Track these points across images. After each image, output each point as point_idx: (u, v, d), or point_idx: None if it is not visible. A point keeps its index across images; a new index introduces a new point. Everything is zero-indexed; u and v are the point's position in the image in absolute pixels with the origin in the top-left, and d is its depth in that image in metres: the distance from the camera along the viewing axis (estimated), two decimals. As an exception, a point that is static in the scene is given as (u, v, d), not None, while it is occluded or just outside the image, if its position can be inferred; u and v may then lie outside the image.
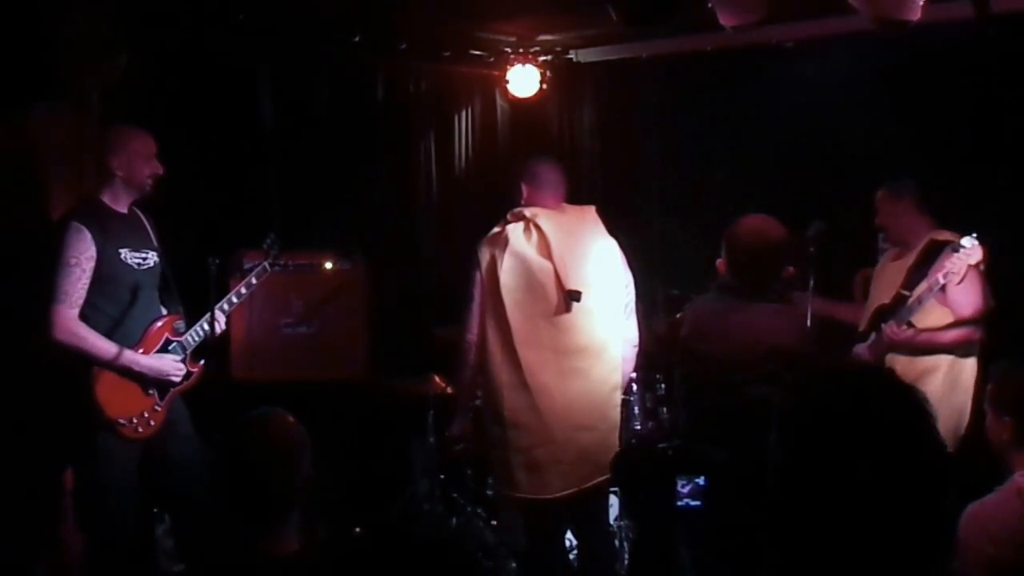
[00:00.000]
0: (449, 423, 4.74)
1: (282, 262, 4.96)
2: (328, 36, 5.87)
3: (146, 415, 4.43)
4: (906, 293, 4.93)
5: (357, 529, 5.71)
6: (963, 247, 4.72)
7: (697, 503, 3.01)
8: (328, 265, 5.49)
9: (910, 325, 4.88)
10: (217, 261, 4.47)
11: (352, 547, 1.86)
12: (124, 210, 4.50)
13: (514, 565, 5.48)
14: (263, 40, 5.70)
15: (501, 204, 4.89)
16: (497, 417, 4.52)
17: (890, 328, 4.88)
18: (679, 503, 2.98)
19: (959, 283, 4.75)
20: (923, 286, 4.84)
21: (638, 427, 5.84)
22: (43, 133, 4.79)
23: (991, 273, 4.94)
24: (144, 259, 4.47)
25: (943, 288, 4.80)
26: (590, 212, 4.78)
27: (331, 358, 5.80)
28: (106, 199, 4.46)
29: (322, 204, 6.03)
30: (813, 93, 5.81)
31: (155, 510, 4.77)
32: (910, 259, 5.05)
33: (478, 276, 4.54)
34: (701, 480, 3.00)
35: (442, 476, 5.91)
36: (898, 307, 4.93)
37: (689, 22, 5.41)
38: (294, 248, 5.51)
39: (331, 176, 6.11)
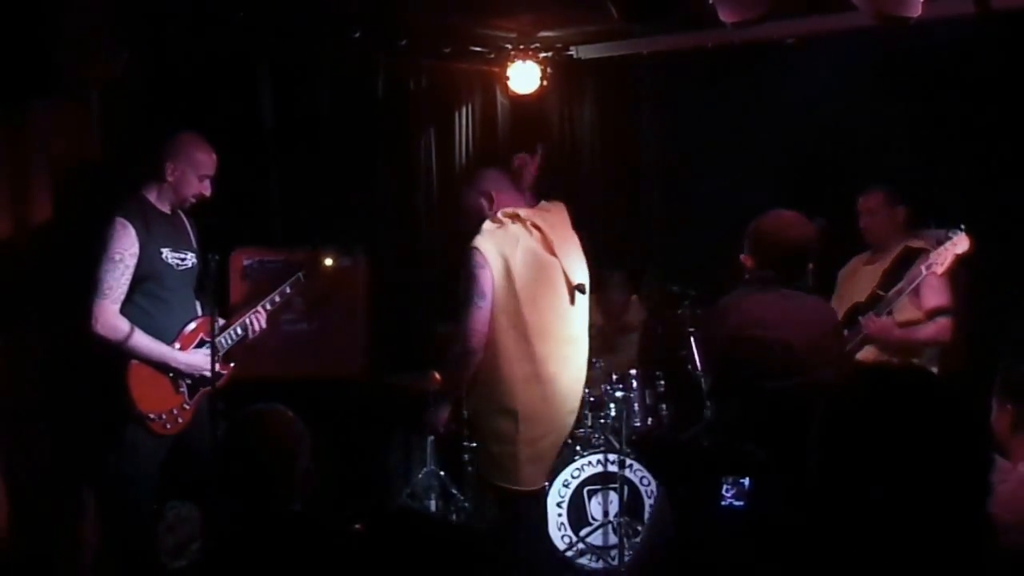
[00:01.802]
0: (430, 411, 4.79)
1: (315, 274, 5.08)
2: (328, 32, 5.87)
3: (175, 412, 4.52)
4: (882, 292, 4.97)
5: (357, 526, 5.71)
6: (950, 237, 4.73)
7: (740, 503, 2.99)
8: (328, 262, 5.49)
9: (889, 315, 4.91)
10: (216, 258, 4.51)
11: (351, 538, 1.87)
12: (167, 210, 4.57)
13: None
14: (263, 36, 5.69)
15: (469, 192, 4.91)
16: (507, 412, 4.60)
17: (869, 319, 4.89)
18: (723, 503, 2.96)
19: (939, 275, 4.77)
20: (903, 281, 4.85)
21: (637, 424, 5.85)
22: (43, 130, 4.79)
23: (989, 268, 4.95)
24: (183, 259, 4.54)
25: (923, 280, 4.84)
26: (563, 208, 4.94)
27: (331, 355, 5.80)
28: (152, 197, 4.54)
29: (322, 201, 6.03)
30: (813, 89, 5.80)
31: (155, 507, 4.79)
32: (884, 263, 5.09)
33: (488, 275, 4.57)
34: (746, 481, 2.99)
35: (442, 473, 5.92)
36: (875, 303, 4.96)
37: (689, 18, 5.41)
38: (293, 245, 5.51)
39: (331, 173, 6.10)
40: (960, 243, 4.73)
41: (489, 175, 4.86)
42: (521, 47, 6.54)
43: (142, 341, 4.40)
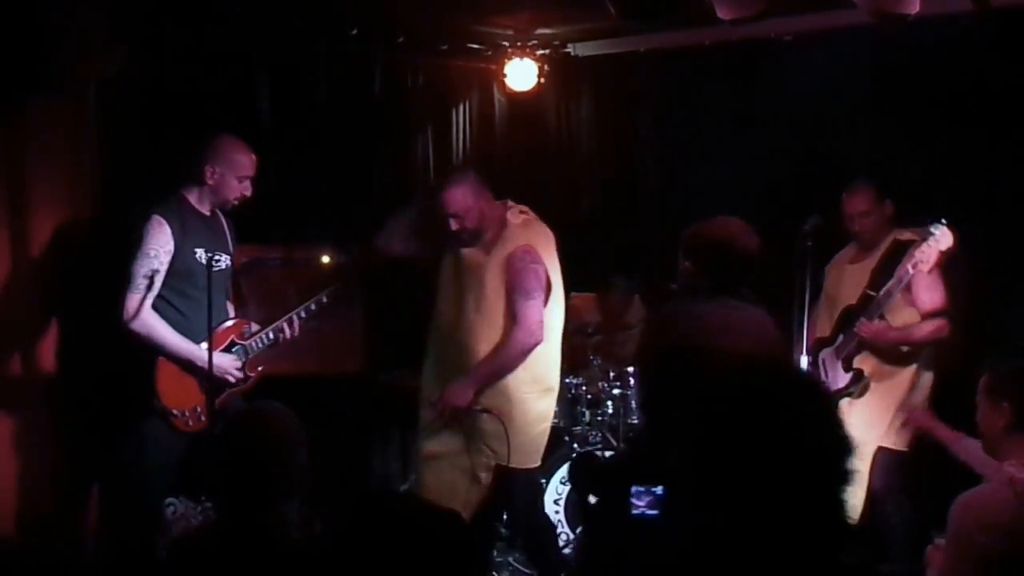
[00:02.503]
0: (456, 390, 4.77)
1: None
2: (326, 29, 5.86)
3: (199, 410, 4.55)
4: (872, 293, 4.94)
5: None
6: (932, 234, 4.69)
7: (654, 512, 2.96)
8: (325, 259, 5.49)
9: (882, 318, 4.90)
10: (212, 255, 4.51)
11: (348, 530, 1.86)
12: (207, 211, 4.62)
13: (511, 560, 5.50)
14: (260, 33, 5.69)
15: (498, 197, 4.90)
16: (550, 390, 4.92)
17: (863, 324, 4.88)
18: (635, 512, 2.93)
19: (928, 272, 4.74)
20: (892, 281, 4.83)
21: (635, 420, 5.84)
22: (40, 126, 4.79)
23: (985, 265, 4.95)
24: (217, 260, 4.55)
25: (912, 279, 4.82)
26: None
27: (328, 352, 5.80)
28: (191, 198, 4.59)
29: (319, 198, 6.02)
30: (811, 87, 5.80)
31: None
32: (872, 260, 5.06)
33: (544, 269, 4.76)
34: (659, 489, 2.95)
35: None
36: (866, 306, 4.94)
37: (687, 16, 5.40)
38: (291, 242, 5.50)
39: (328, 170, 6.09)
40: (943, 239, 4.69)
41: (481, 186, 4.85)
42: (518, 44, 6.54)
43: (171, 338, 4.45)
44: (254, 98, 5.89)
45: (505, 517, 5.34)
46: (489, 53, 6.62)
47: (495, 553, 5.52)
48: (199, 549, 2.71)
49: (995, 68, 5.40)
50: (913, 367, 5.01)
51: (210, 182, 4.55)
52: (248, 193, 4.62)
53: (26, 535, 4.66)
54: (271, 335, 4.72)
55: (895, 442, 4.98)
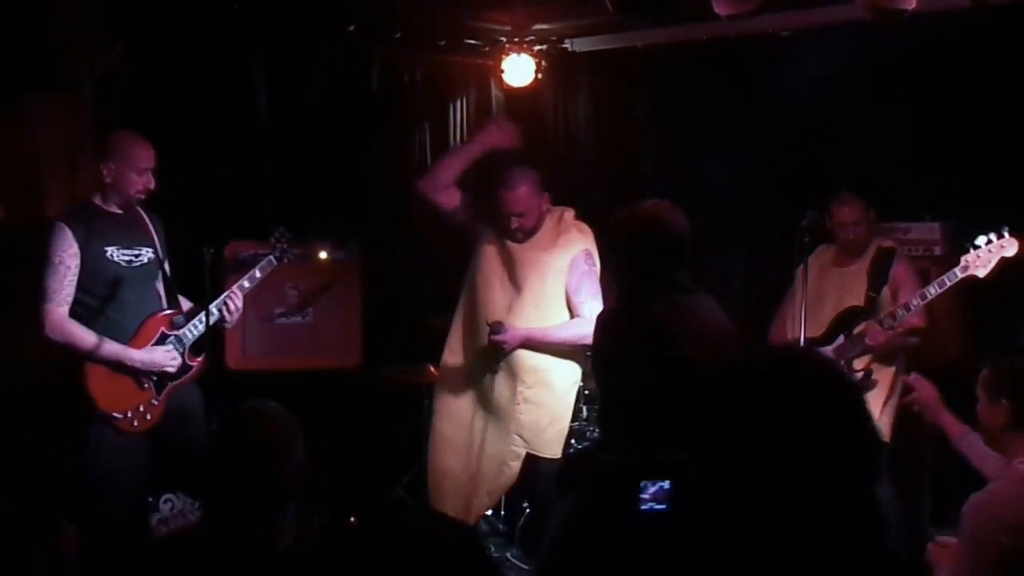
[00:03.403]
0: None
1: (289, 255, 4.97)
2: (323, 25, 5.85)
3: (142, 409, 4.48)
4: (875, 295, 4.97)
5: (352, 519, 5.71)
6: (991, 239, 4.65)
7: (663, 507, 2.94)
8: (323, 255, 5.49)
9: (899, 324, 4.89)
10: (212, 251, 4.50)
11: (348, 536, 1.85)
12: (116, 210, 4.53)
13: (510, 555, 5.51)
14: (258, 29, 5.68)
15: (521, 188, 4.91)
16: (576, 384, 5.08)
17: (875, 330, 4.87)
18: (644, 507, 2.92)
19: (984, 277, 4.68)
20: (934, 284, 4.78)
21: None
22: (36, 124, 4.78)
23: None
24: (136, 256, 4.50)
25: (899, 283, 4.87)
26: None
27: (326, 348, 5.80)
28: (97, 200, 4.52)
29: (317, 194, 6.02)
30: (808, 82, 5.79)
31: (149, 499, 4.79)
32: (861, 265, 5.09)
33: (599, 274, 4.89)
34: (667, 484, 2.94)
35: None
36: (872, 309, 4.95)
37: (684, 11, 5.40)
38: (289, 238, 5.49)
39: (326, 165, 6.10)
40: (1009, 246, 4.66)
41: (537, 174, 4.95)
42: (516, 40, 6.54)
43: (93, 342, 4.37)
44: (251, 95, 5.90)
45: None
46: (486, 49, 6.62)
47: (493, 549, 5.53)
48: (190, 551, 2.70)
49: (992, 64, 5.40)
50: (894, 367, 5.07)
51: (108, 180, 4.46)
52: (151, 186, 4.50)
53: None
54: (213, 311, 4.61)
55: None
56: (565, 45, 6.74)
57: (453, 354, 5.08)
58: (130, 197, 4.51)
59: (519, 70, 6.55)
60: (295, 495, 2.71)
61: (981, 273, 4.66)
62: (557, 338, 4.85)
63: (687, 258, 3.65)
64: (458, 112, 6.85)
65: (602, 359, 3.91)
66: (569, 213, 5.01)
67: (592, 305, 4.80)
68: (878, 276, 5.00)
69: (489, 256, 4.96)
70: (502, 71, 6.58)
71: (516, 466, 4.95)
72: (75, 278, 4.36)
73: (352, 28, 5.87)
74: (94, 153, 4.97)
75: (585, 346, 4.67)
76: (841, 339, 5.04)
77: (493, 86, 6.88)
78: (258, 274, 4.81)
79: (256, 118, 5.93)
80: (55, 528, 4.70)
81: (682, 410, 3.10)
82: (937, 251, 5.58)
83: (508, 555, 5.58)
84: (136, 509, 4.52)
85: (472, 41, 6.55)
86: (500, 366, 4.91)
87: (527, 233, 4.89)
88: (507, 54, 6.54)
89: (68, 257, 4.35)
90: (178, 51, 5.44)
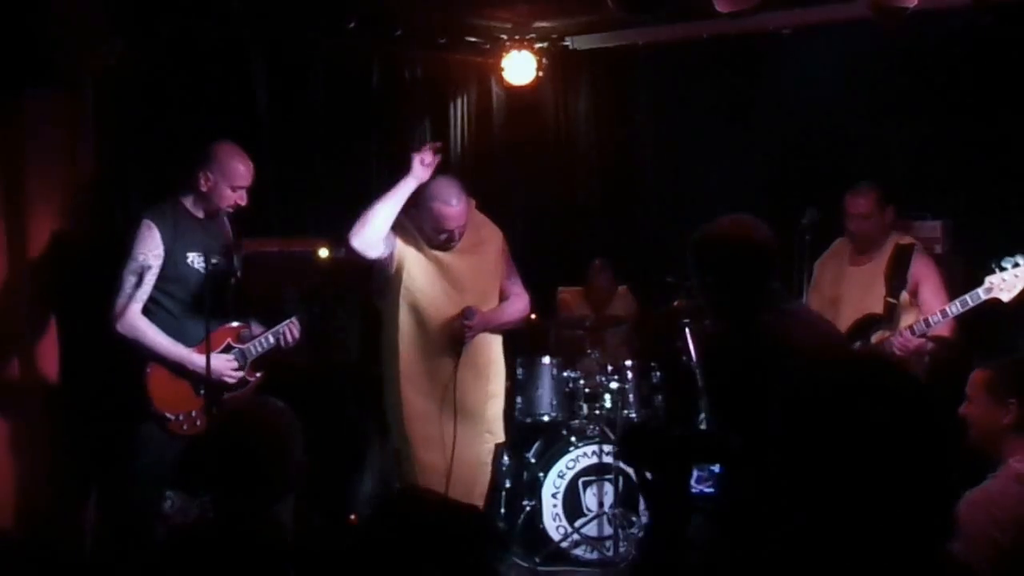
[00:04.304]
0: None
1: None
2: (323, 22, 5.85)
3: (194, 415, 4.51)
4: (893, 301, 4.89)
5: (352, 516, 5.71)
6: (1018, 263, 4.47)
7: (711, 490, 2.95)
8: (322, 252, 5.47)
9: (924, 335, 4.79)
10: (212, 248, 4.51)
11: (347, 533, 1.86)
12: (202, 216, 4.55)
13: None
14: (258, 26, 5.67)
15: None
16: None
17: (905, 338, 4.76)
18: (693, 489, 2.93)
19: (1008, 301, 4.51)
20: (956, 303, 4.64)
21: (634, 415, 5.84)
22: (37, 120, 4.78)
23: (988, 262, 4.94)
24: (214, 264, 4.51)
25: (920, 286, 4.80)
26: None
27: (325, 344, 5.79)
28: (187, 202, 4.54)
29: (317, 191, 6.01)
30: (809, 80, 5.80)
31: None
32: (878, 265, 4.99)
33: None
34: (716, 467, 2.95)
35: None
36: (891, 316, 4.88)
37: (685, 9, 5.40)
38: (288, 235, 5.49)
39: (326, 163, 6.09)
40: None
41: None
42: (516, 38, 6.54)
43: (161, 342, 4.42)
44: (252, 92, 5.89)
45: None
46: (487, 46, 6.62)
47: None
48: (194, 545, 2.70)
49: (994, 62, 5.40)
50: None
51: (203, 189, 4.48)
52: (243, 203, 4.54)
53: (26, 531, 4.66)
54: (271, 339, 4.64)
55: None
56: (566, 43, 6.74)
57: (412, 380, 4.87)
58: (220, 210, 4.54)
59: (520, 68, 6.55)
60: (294, 491, 2.72)
61: (1006, 298, 4.51)
62: (509, 317, 4.96)
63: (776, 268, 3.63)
64: (458, 110, 6.85)
65: (717, 385, 3.79)
66: (472, 204, 4.87)
67: (516, 281, 4.99)
68: (896, 278, 4.88)
69: (422, 270, 4.79)
70: (503, 69, 6.58)
71: (490, 460, 4.97)
72: (154, 278, 4.40)
73: (353, 25, 5.87)
74: (94, 151, 4.99)
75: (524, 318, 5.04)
76: (859, 344, 4.94)
77: (494, 84, 6.88)
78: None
79: (256, 115, 5.92)
80: (81, 520, 4.80)
81: (806, 419, 3.12)
82: (938, 249, 5.55)
83: (509, 553, 5.59)
84: (153, 506, 4.57)
85: (473, 39, 6.54)
86: (465, 369, 4.81)
87: (455, 240, 4.78)
88: (508, 52, 6.54)
89: (153, 257, 4.39)
90: (178, 49, 5.43)
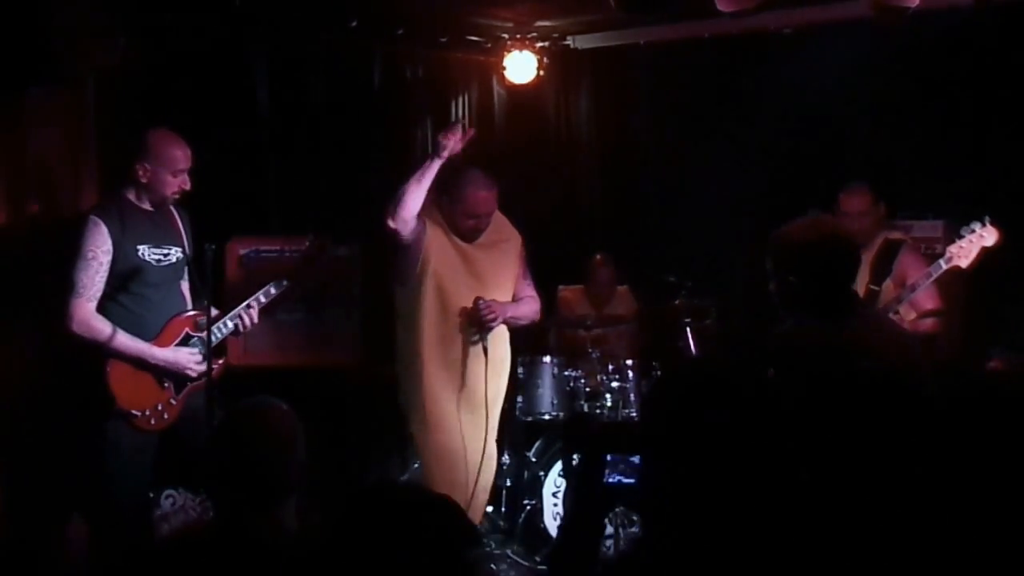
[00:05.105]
0: None
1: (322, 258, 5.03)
2: (325, 21, 5.85)
3: (160, 408, 4.47)
4: (875, 288, 4.93)
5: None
6: (973, 230, 4.64)
7: (631, 480, 2.94)
8: (323, 251, 5.47)
9: (896, 314, 4.89)
10: (213, 247, 4.47)
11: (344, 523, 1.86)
12: (149, 207, 4.51)
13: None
14: (260, 25, 5.67)
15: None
16: None
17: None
18: (609, 479, 2.92)
19: (966, 268, 4.68)
20: (921, 275, 4.81)
21: (634, 414, 5.84)
22: (38, 118, 4.78)
23: (988, 261, 4.94)
24: (165, 255, 4.48)
25: (943, 271, 4.80)
26: None
27: (326, 344, 5.79)
28: (130, 196, 4.48)
29: (318, 190, 6.01)
30: (810, 80, 5.80)
31: (151, 495, 4.79)
32: (867, 256, 5.03)
33: None
34: (636, 458, 2.95)
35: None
36: (872, 301, 4.92)
37: (686, 9, 5.40)
38: (290, 234, 5.49)
39: (327, 162, 6.09)
40: (988, 235, 4.61)
41: None
42: (518, 37, 6.54)
43: (119, 339, 4.35)
44: (253, 90, 5.89)
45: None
46: (489, 45, 6.62)
47: (493, 545, 5.54)
48: (194, 547, 2.70)
49: (995, 61, 5.40)
50: None
51: (143, 180, 4.42)
52: (187, 187, 4.47)
53: (10, 540, 4.58)
54: (229, 324, 4.59)
55: None
56: (567, 42, 6.74)
57: (433, 363, 4.94)
58: (165, 198, 4.49)
59: (521, 67, 6.55)
60: (295, 491, 2.71)
61: (964, 263, 4.58)
62: (524, 315, 5.07)
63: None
64: (460, 109, 6.85)
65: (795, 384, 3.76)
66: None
67: (529, 284, 5.13)
68: (880, 267, 4.95)
69: (447, 258, 4.90)
70: (504, 68, 6.58)
71: (495, 454, 5.09)
72: (106, 274, 4.35)
73: (354, 24, 5.87)
74: (96, 149, 4.99)
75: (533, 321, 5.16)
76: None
77: (495, 83, 6.88)
78: (273, 291, 4.80)
79: (258, 113, 5.92)
80: (65, 522, 4.71)
81: (886, 422, 3.12)
82: (939, 248, 5.55)
83: (508, 551, 5.59)
84: (141, 505, 4.53)
85: (474, 38, 6.55)
86: (480, 362, 4.91)
87: (480, 231, 4.91)
88: (509, 51, 6.54)
89: (101, 253, 4.33)
90: (180, 47, 5.43)
